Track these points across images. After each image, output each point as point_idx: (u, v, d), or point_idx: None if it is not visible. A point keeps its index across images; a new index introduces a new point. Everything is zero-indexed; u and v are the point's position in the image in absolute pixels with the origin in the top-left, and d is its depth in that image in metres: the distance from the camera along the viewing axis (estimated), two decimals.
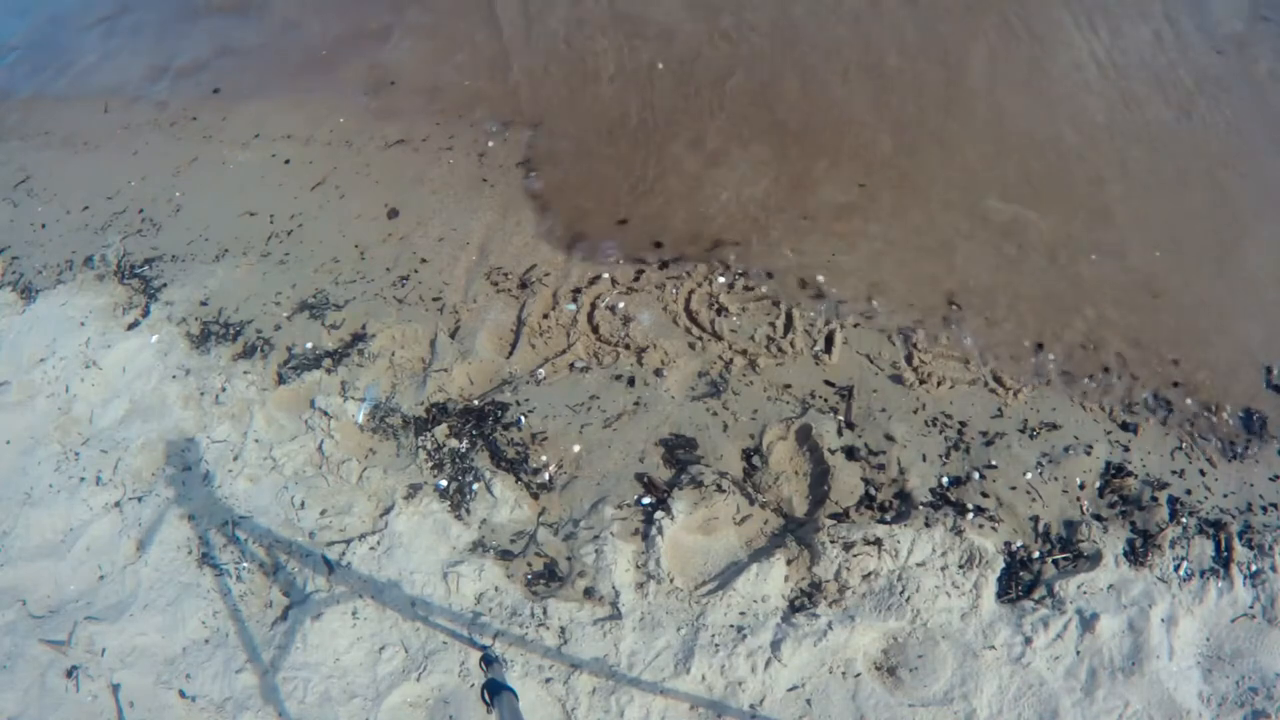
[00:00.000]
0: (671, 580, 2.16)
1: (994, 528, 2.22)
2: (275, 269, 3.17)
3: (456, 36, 4.14)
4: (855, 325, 2.72)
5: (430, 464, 2.47)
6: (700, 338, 2.71)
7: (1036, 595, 2.09)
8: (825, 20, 3.84)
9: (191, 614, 2.23)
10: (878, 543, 2.15)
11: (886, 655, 2.05)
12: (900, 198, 3.11)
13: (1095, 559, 2.14)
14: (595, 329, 2.78)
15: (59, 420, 2.77)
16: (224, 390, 2.74)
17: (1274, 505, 2.26)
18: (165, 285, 3.18)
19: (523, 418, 2.55)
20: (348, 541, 2.31)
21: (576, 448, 2.47)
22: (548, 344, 2.75)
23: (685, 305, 2.82)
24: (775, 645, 2.01)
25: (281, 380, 2.75)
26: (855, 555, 2.14)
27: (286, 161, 3.66)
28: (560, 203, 3.27)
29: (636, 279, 2.92)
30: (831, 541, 2.16)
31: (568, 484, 2.40)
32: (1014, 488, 2.29)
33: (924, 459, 2.37)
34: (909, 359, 2.61)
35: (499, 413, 2.57)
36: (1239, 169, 3.12)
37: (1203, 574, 2.11)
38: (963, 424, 2.45)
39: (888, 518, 2.25)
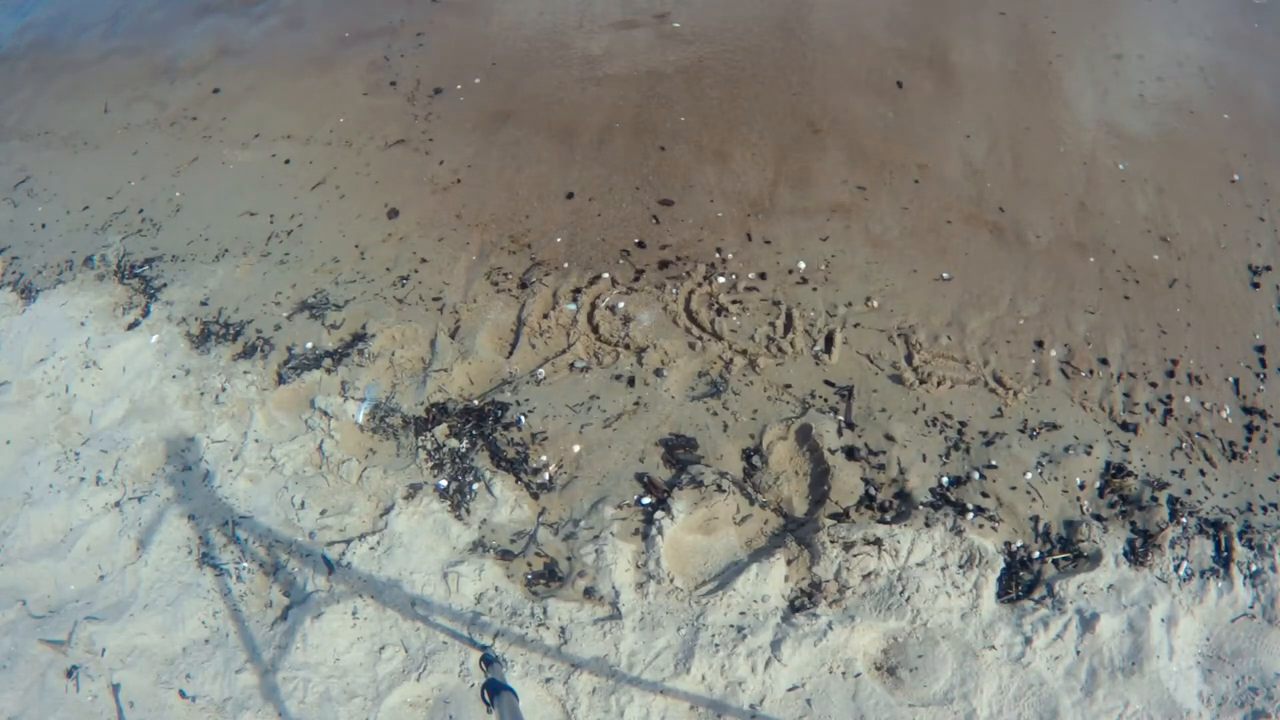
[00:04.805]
0: (671, 580, 2.16)
1: (994, 528, 2.22)
2: (275, 269, 3.17)
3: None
4: (855, 325, 2.72)
5: (430, 464, 2.47)
6: (700, 338, 2.71)
7: (1036, 595, 2.09)
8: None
9: (191, 614, 2.23)
10: (878, 543, 2.15)
11: (886, 655, 2.05)
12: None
13: (1095, 559, 2.14)
14: (595, 329, 2.78)
15: (59, 420, 2.77)
16: (224, 390, 2.74)
17: (1274, 505, 2.26)
18: (165, 285, 3.19)
19: (523, 418, 2.55)
20: (348, 541, 2.31)
21: (576, 448, 2.47)
22: (548, 344, 2.75)
23: (685, 305, 2.82)
24: (775, 645, 2.01)
25: (281, 380, 2.75)
26: (855, 555, 2.14)
27: (286, 161, 3.66)
28: None
29: (636, 279, 2.92)
30: (831, 541, 2.16)
31: (568, 484, 2.40)
32: (1014, 488, 2.29)
33: (924, 459, 2.37)
34: (909, 359, 2.61)
35: (499, 413, 2.57)
36: None
37: (1203, 574, 2.12)
38: (963, 424, 2.45)
39: (888, 518, 2.25)
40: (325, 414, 2.61)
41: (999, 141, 3.29)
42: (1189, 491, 2.28)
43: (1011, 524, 2.23)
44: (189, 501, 2.48)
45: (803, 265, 2.90)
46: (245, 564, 2.32)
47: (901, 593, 2.08)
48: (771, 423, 2.46)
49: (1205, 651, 2.01)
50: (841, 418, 2.47)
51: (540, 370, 2.66)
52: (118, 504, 2.51)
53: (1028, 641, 2.00)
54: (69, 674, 2.15)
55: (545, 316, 2.83)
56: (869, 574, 2.12)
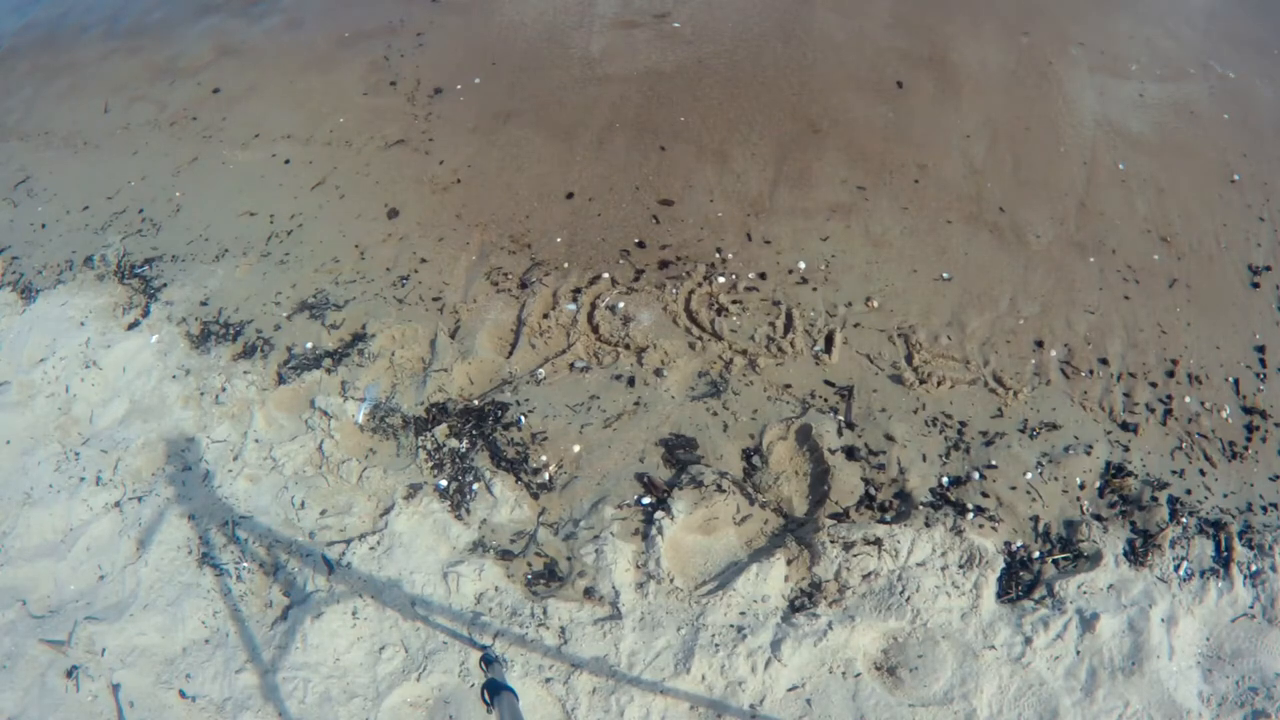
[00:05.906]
0: (671, 580, 2.16)
1: (994, 528, 2.22)
2: (275, 269, 3.17)
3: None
4: (855, 325, 2.72)
5: (430, 464, 2.47)
6: (700, 338, 2.71)
7: (1036, 595, 2.09)
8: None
9: (191, 614, 2.23)
10: (878, 543, 2.15)
11: (886, 655, 2.05)
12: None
13: (1095, 559, 2.14)
14: (595, 329, 2.78)
15: (59, 420, 2.77)
16: (224, 390, 2.74)
17: (1274, 505, 2.26)
18: (165, 285, 3.18)
19: (523, 418, 2.55)
20: (348, 541, 2.31)
21: (576, 448, 2.47)
22: (548, 344, 2.75)
23: (685, 305, 2.82)
24: (775, 645, 2.01)
25: (281, 380, 2.75)
26: (855, 555, 2.14)
27: (286, 161, 3.66)
28: None
29: (636, 279, 2.92)
30: (831, 541, 2.16)
31: (568, 484, 2.40)
32: (1014, 488, 2.29)
33: (924, 459, 2.37)
34: (909, 359, 2.61)
35: (499, 413, 2.57)
36: None
37: (1203, 574, 2.12)
38: (963, 424, 2.45)
39: (888, 518, 2.25)
40: (325, 414, 2.61)
41: (999, 141, 3.29)
42: (1189, 491, 2.28)
43: (1011, 524, 2.23)
44: (189, 501, 2.48)
45: (803, 265, 2.90)
46: (245, 564, 2.32)
47: (901, 593, 2.08)
48: (771, 423, 2.46)
49: (1205, 651, 2.01)
50: (841, 418, 2.47)
51: (540, 370, 2.66)
52: (118, 504, 2.51)
53: (1028, 641, 2.00)
54: (69, 674, 2.15)
55: (545, 316, 2.83)
56: (869, 574, 2.12)
